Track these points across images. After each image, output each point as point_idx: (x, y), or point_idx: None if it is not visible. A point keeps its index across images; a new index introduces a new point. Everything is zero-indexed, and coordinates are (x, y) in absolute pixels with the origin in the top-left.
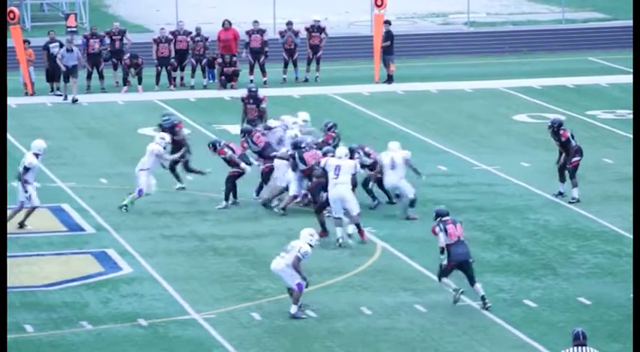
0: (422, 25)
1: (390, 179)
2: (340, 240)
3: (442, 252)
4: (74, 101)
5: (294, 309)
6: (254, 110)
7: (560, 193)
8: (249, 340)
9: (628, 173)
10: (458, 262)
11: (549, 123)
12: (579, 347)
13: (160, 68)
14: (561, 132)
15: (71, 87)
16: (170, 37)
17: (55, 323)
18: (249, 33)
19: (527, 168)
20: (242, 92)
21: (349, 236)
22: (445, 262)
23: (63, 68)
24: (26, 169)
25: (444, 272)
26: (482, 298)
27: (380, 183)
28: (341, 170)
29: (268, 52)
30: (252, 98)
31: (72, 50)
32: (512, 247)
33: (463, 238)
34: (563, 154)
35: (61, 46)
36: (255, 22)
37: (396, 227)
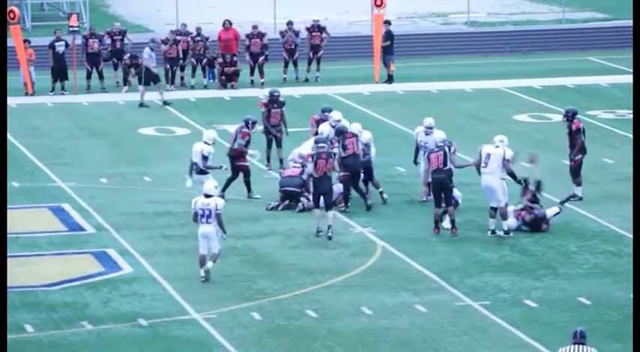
0: (422, 25)
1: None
2: (500, 231)
3: (309, 177)
4: (166, 103)
5: (211, 264)
6: (278, 114)
7: (580, 198)
8: (250, 340)
9: (628, 173)
10: (320, 193)
11: (564, 112)
12: (577, 346)
13: (168, 68)
14: (575, 120)
15: (160, 89)
16: (178, 38)
17: (55, 323)
18: (249, 36)
19: (528, 168)
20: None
21: (506, 232)
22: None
23: (154, 71)
24: (205, 158)
25: (314, 202)
26: (328, 228)
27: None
28: (490, 158)
29: (268, 53)
30: (276, 102)
31: (154, 50)
32: (513, 247)
33: (330, 173)
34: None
35: (67, 45)
36: (255, 26)
37: (396, 227)
